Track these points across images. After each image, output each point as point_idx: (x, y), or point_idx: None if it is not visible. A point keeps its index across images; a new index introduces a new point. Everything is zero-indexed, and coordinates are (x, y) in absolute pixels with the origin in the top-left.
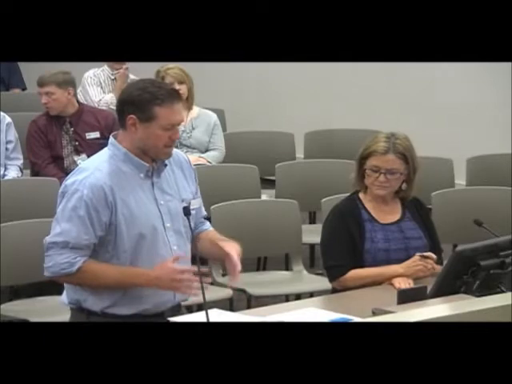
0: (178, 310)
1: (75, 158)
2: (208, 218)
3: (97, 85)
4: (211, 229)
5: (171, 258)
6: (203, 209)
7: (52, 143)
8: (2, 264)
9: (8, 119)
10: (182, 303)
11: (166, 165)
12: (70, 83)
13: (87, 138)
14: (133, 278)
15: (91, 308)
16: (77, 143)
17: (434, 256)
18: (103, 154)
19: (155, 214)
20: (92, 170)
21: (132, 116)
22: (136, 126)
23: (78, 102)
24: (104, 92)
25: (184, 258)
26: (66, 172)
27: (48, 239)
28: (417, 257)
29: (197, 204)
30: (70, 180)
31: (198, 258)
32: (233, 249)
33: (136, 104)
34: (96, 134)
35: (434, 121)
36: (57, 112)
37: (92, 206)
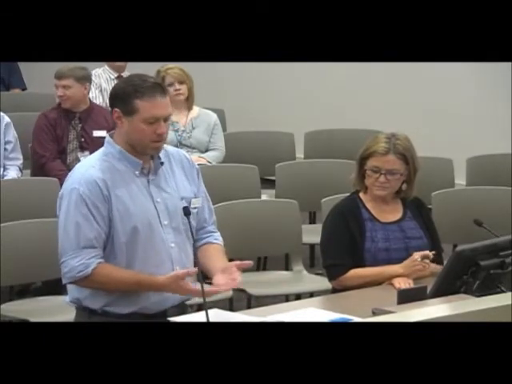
0: (182, 308)
1: (79, 154)
2: None
3: (95, 87)
4: (218, 242)
5: (181, 273)
6: (211, 211)
7: (59, 137)
8: (2, 264)
9: (7, 119)
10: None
11: (162, 163)
12: (87, 79)
13: (94, 135)
14: (144, 287)
15: (91, 306)
16: (83, 139)
17: (430, 254)
18: (98, 153)
19: (151, 210)
20: (86, 168)
21: (116, 109)
22: (121, 120)
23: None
24: (102, 95)
25: (187, 261)
26: (69, 168)
27: (59, 246)
28: (416, 256)
29: (198, 203)
30: (68, 182)
31: (198, 259)
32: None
33: (120, 97)
34: (103, 133)
35: (434, 121)
36: (70, 106)
37: (91, 202)
